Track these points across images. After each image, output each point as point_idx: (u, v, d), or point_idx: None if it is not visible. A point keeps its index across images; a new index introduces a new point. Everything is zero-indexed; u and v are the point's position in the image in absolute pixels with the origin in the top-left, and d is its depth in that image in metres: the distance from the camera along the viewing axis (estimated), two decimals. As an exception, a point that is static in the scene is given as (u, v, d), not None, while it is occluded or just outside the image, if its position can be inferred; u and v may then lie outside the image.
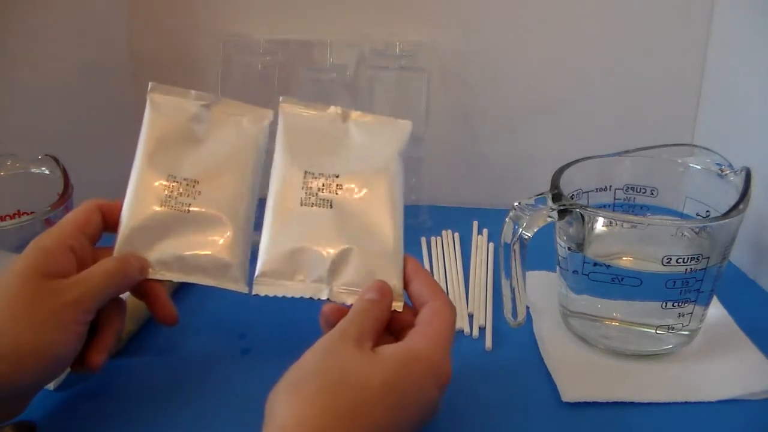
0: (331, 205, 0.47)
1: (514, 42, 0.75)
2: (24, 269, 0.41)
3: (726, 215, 0.47)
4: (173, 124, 0.49)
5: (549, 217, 0.48)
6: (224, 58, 0.73)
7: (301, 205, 0.47)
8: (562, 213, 0.49)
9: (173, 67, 0.78)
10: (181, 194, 0.47)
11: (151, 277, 0.46)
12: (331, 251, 0.45)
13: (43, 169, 0.57)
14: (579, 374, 0.50)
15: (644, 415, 0.47)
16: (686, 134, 0.76)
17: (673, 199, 0.55)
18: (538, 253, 0.51)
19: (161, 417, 0.46)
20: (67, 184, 0.54)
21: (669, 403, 0.48)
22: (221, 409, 0.47)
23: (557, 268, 0.54)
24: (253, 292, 0.46)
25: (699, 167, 0.55)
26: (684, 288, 0.48)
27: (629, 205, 0.56)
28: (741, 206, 0.48)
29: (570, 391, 0.48)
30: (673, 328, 0.51)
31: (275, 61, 0.73)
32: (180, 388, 0.49)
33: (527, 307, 0.53)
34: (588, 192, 0.55)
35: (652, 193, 0.55)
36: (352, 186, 0.47)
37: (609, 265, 0.50)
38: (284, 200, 0.47)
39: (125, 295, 0.46)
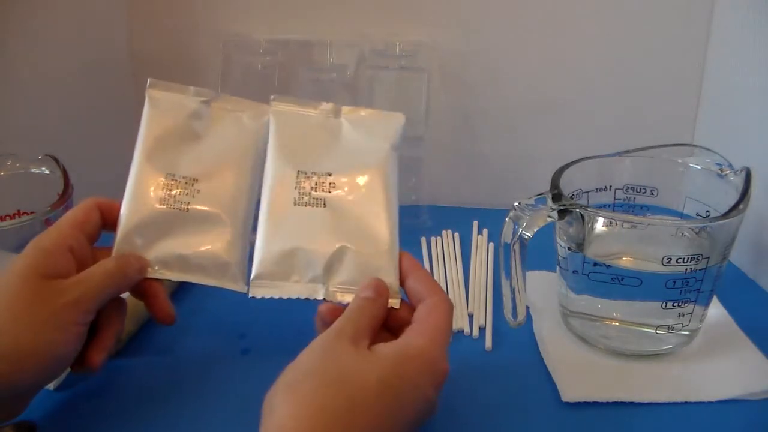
0: (324, 204, 0.47)
1: (514, 42, 0.75)
2: (24, 269, 0.41)
3: (726, 215, 0.47)
4: (172, 121, 0.49)
5: (549, 217, 0.48)
6: (224, 58, 0.73)
7: (295, 204, 0.47)
8: (562, 213, 0.49)
9: (173, 67, 0.78)
10: (180, 193, 0.47)
11: (150, 276, 0.46)
12: (326, 250, 0.45)
13: (43, 169, 0.57)
14: (579, 374, 0.50)
15: (644, 415, 0.47)
16: (686, 134, 0.76)
17: (673, 199, 0.55)
18: (538, 253, 0.51)
19: (161, 417, 0.46)
20: (67, 184, 0.54)
21: (669, 403, 0.48)
22: (221, 409, 0.47)
23: (557, 268, 0.54)
24: (250, 295, 0.46)
25: (699, 167, 0.55)
26: (684, 288, 0.48)
27: (629, 205, 0.56)
28: (741, 206, 0.48)
29: (570, 391, 0.48)
30: (673, 328, 0.51)
31: (275, 61, 0.73)
32: (180, 388, 0.49)
33: (527, 307, 0.53)
34: (588, 192, 0.55)
35: (652, 193, 0.55)
36: (345, 183, 0.47)
37: (609, 265, 0.50)
38: (277, 200, 0.47)
39: (125, 295, 0.46)
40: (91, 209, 0.46)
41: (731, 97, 0.70)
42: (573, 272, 0.51)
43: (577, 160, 0.54)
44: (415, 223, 0.73)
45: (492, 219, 0.70)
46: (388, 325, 0.44)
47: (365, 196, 0.47)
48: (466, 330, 0.56)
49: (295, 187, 0.47)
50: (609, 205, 0.56)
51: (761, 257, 0.63)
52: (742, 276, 0.65)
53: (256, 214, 0.48)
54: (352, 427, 0.35)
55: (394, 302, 0.44)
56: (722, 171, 0.53)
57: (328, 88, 0.73)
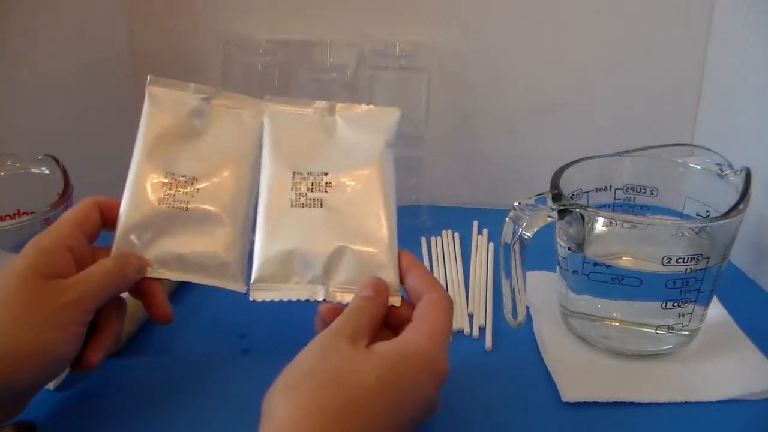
0: (321, 204, 0.47)
1: (514, 42, 0.75)
2: (23, 269, 0.41)
3: (726, 215, 0.47)
4: (172, 118, 0.48)
5: (549, 217, 0.48)
6: (224, 58, 0.73)
7: (292, 206, 0.47)
8: (562, 213, 0.49)
9: (173, 67, 0.78)
10: (179, 192, 0.47)
11: (149, 275, 0.46)
12: (325, 251, 0.45)
13: (43, 169, 0.57)
14: (579, 374, 0.50)
15: (644, 415, 0.47)
16: (686, 134, 0.76)
17: (673, 199, 0.55)
18: (538, 253, 0.51)
19: (161, 417, 0.46)
20: (67, 184, 0.54)
21: (669, 403, 0.48)
22: (221, 409, 0.47)
23: (557, 268, 0.54)
24: (251, 298, 0.46)
25: (699, 167, 0.55)
26: (684, 288, 0.48)
27: (629, 205, 0.56)
28: (741, 206, 0.48)
29: (570, 391, 0.48)
30: (673, 328, 0.51)
31: (275, 61, 0.73)
32: (180, 388, 0.49)
33: (527, 307, 0.53)
34: (588, 192, 0.55)
35: (652, 193, 0.55)
36: (342, 183, 0.47)
37: (609, 265, 0.50)
38: (274, 203, 0.47)
39: (125, 295, 0.46)
40: (90, 208, 0.46)
41: (731, 97, 0.70)
42: (573, 272, 0.51)
43: (577, 160, 0.54)
44: (415, 223, 0.73)
45: (492, 219, 0.70)
46: (389, 323, 0.44)
47: (362, 194, 0.47)
48: (466, 330, 0.56)
49: (292, 189, 0.47)
50: (609, 205, 0.56)
51: (761, 257, 0.63)
52: (742, 276, 0.65)
53: (256, 214, 0.48)
54: (352, 427, 0.35)
55: (395, 300, 0.44)
56: (722, 171, 0.53)
57: (328, 88, 0.72)
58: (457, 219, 0.74)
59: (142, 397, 0.48)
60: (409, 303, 0.44)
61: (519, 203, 0.49)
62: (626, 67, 0.75)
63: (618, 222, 0.53)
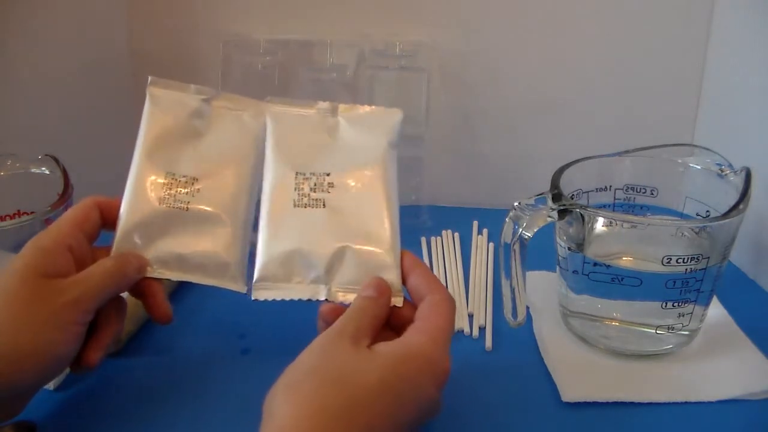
0: (324, 205, 0.47)
1: (514, 42, 0.75)
2: (23, 269, 0.41)
3: (726, 215, 0.47)
4: (173, 119, 0.49)
5: (549, 217, 0.48)
6: (224, 58, 0.73)
7: (294, 206, 0.47)
8: (562, 213, 0.49)
9: (173, 67, 0.78)
10: (180, 192, 0.47)
11: (149, 275, 0.46)
12: (327, 251, 0.45)
13: (43, 169, 0.57)
14: (579, 374, 0.50)
15: (644, 415, 0.47)
16: (686, 134, 0.76)
17: (673, 199, 0.55)
18: (538, 253, 0.51)
19: (161, 417, 0.46)
20: (67, 184, 0.54)
21: (669, 403, 0.48)
22: (221, 409, 0.47)
23: (557, 268, 0.54)
24: (253, 298, 0.46)
25: (699, 167, 0.55)
26: (684, 288, 0.48)
27: (629, 205, 0.56)
28: (741, 206, 0.48)
29: (570, 391, 0.48)
30: (673, 328, 0.51)
31: (275, 61, 0.73)
32: (180, 388, 0.49)
33: (527, 307, 0.53)
34: (588, 192, 0.55)
35: (652, 193, 0.55)
36: (345, 183, 0.47)
37: (609, 265, 0.50)
38: (277, 203, 0.47)
39: (124, 295, 0.46)
40: (90, 208, 0.46)
41: (731, 97, 0.70)
42: (573, 272, 0.51)
43: (577, 160, 0.54)
44: (415, 223, 0.73)
45: (492, 219, 0.70)
46: (391, 324, 0.44)
47: (365, 195, 0.47)
48: (466, 330, 0.56)
49: (295, 189, 0.47)
50: (609, 205, 0.56)
51: (761, 257, 0.63)
52: (742, 276, 0.65)
53: (256, 214, 0.48)
54: (353, 427, 0.35)
55: (397, 301, 0.44)
56: (722, 171, 0.53)
57: (328, 88, 0.72)
58: (457, 219, 0.74)
59: (142, 397, 0.48)
60: (412, 304, 0.44)
61: (519, 203, 0.49)
62: (626, 67, 0.75)
63: (618, 222, 0.53)
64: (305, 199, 0.47)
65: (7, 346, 0.39)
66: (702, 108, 0.75)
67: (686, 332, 0.52)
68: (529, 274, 0.51)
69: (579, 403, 0.47)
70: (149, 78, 0.49)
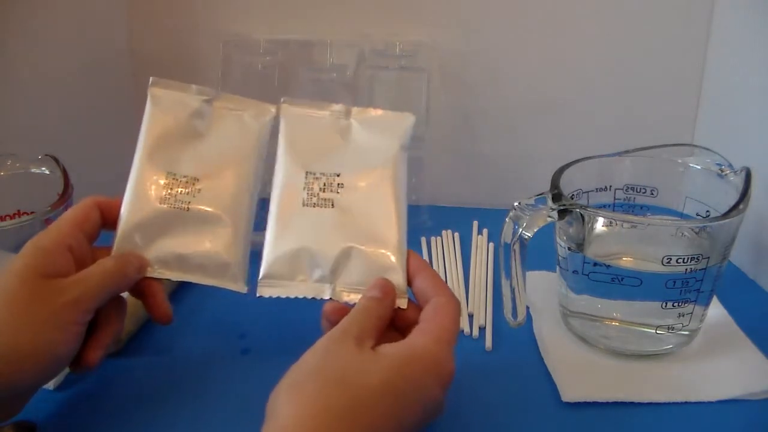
0: (332, 205, 0.47)
1: (514, 42, 0.75)
2: (22, 269, 0.41)
3: (726, 215, 0.47)
4: (174, 119, 0.49)
5: (549, 217, 0.48)
6: (224, 58, 0.73)
7: (303, 205, 0.47)
8: (562, 213, 0.49)
9: (173, 67, 0.78)
10: (180, 192, 0.47)
11: (149, 275, 0.46)
12: (333, 251, 0.45)
13: (43, 169, 0.57)
14: (579, 374, 0.50)
15: (644, 415, 0.47)
16: (686, 134, 0.76)
17: (673, 199, 0.55)
18: (538, 253, 0.51)
19: (161, 417, 0.46)
20: (67, 184, 0.54)
21: (669, 403, 0.48)
22: (221, 409, 0.47)
23: (557, 268, 0.54)
24: (258, 294, 0.46)
25: (699, 167, 0.55)
26: (684, 288, 0.48)
27: (629, 205, 0.56)
28: (741, 206, 0.48)
29: (570, 391, 0.48)
30: (673, 328, 0.51)
31: (275, 61, 0.73)
32: (180, 388, 0.49)
33: (527, 307, 0.53)
34: (588, 192, 0.55)
35: (652, 193, 0.55)
36: (354, 184, 0.47)
37: (609, 265, 0.50)
38: (286, 201, 0.47)
39: (125, 295, 0.46)
40: (90, 208, 0.46)
41: (731, 97, 0.70)
42: (573, 272, 0.51)
43: (577, 160, 0.54)
44: (415, 223, 0.73)
45: (492, 219, 0.70)
46: (396, 325, 0.44)
47: (374, 196, 0.47)
48: (466, 330, 0.56)
49: (304, 188, 0.47)
50: (609, 205, 0.56)
51: (761, 257, 0.63)
52: (742, 276, 0.65)
53: (257, 215, 0.48)
54: (357, 427, 0.35)
55: (402, 302, 0.44)
56: (722, 171, 0.53)
57: (328, 88, 0.72)
58: (457, 219, 0.74)
59: (142, 397, 0.48)
60: (416, 305, 0.44)
61: (519, 203, 0.49)
62: (626, 67, 0.75)
63: (618, 222, 0.53)
64: (314, 199, 0.47)
65: (6, 346, 0.39)
66: (702, 108, 0.75)
67: (686, 332, 0.52)
68: (529, 274, 0.51)
69: (579, 403, 0.47)
70: (151, 78, 0.49)
